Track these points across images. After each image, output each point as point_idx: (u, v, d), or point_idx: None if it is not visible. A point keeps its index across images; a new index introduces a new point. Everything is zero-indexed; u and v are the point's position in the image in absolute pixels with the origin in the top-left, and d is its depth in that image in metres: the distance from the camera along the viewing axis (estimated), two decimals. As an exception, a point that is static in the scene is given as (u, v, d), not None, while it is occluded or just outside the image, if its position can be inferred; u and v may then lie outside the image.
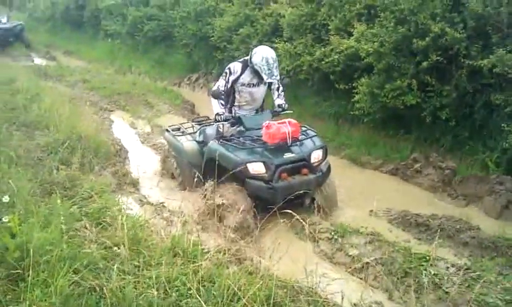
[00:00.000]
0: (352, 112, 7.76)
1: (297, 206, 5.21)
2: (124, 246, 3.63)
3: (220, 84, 5.79)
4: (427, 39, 6.55)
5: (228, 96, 5.87)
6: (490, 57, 5.85)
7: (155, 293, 2.84)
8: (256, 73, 5.71)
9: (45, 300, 2.86)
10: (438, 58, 6.54)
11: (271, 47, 9.02)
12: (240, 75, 5.75)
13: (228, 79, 5.77)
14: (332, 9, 8.46)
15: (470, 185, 6.05)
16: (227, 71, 5.80)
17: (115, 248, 3.67)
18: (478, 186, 5.95)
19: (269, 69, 5.59)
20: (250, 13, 10.82)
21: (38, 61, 17.82)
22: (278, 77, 5.78)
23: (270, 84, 5.92)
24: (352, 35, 7.70)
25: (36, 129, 7.30)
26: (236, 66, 5.79)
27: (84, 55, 18.44)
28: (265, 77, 5.62)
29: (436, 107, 6.72)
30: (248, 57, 5.80)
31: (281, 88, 6.03)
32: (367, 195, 6.21)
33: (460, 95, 6.58)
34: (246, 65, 5.80)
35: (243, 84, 5.80)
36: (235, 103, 5.91)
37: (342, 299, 3.21)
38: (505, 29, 6.16)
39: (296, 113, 8.39)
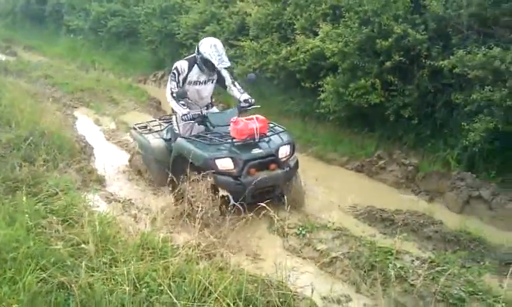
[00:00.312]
0: (318, 110, 7.85)
1: (265, 201, 5.25)
2: (91, 243, 3.59)
3: (172, 87, 5.70)
4: (390, 40, 6.68)
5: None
6: (450, 58, 6.01)
7: (127, 289, 2.81)
8: (203, 70, 5.69)
9: (13, 297, 2.79)
10: (401, 58, 6.69)
11: (235, 45, 9.12)
12: (188, 73, 5.71)
13: (179, 79, 5.70)
14: (298, 8, 8.52)
15: (433, 181, 6.23)
16: (175, 72, 5.72)
17: (83, 245, 3.62)
18: (440, 182, 6.13)
19: (219, 55, 5.55)
20: (216, 10, 10.80)
21: (-2, 56, 17.30)
22: (229, 64, 5.71)
23: (223, 80, 5.93)
24: (318, 35, 7.79)
25: (-3, 125, 7.10)
26: (183, 65, 5.73)
27: (45, 51, 17.99)
28: (216, 63, 5.55)
29: (399, 106, 6.87)
30: (195, 54, 5.76)
31: (238, 84, 6.04)
32: (334, 191, 6.36)
33: (422, 94, 6.74)
34: (193, 62, 5.75)
35: (190, 82, 5.75)
36: (183, 103, 5.77)
37: (312, 291, 3.24)
38: (465, 31, 6.35)
39: (263, 111, 8.38)
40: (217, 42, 5.69)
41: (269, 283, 3.57)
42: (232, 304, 2.91)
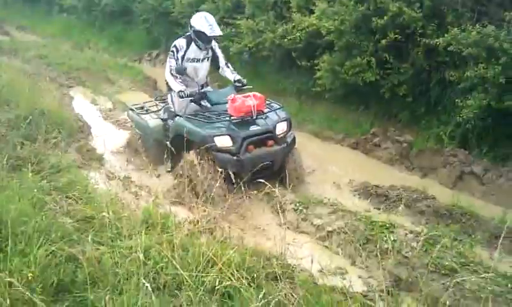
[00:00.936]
0: (314, 89, 7.92)
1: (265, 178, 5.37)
2: (96, 218, 3.71)
3: (171, 64, 5.80)
4: (385, 18, 6.72)
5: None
6: (445, 36, 6.08)
7: (141, 256, 2.92)
8: (199, 45, 5.81)
9: (23, 270, 2.90)
10: (396, 36, 6.73)
11: (231, 24, 9.11)
12: (186, 50, 5.83)
13: (177, 57, 5.80)
14: (294, -14, 8.53)
15: (426, 157, 6.36)
16: (173, 49, 5.82)
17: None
18: (433, 158, 6.26)
19: (209, 24, 5.68)
20: (212, -12, 10.74)
21: (-10, 36, 17.14)
22: (220, 33, 5.87)
23: (217, 60, 6.05)
24: (314, 13, 7.81)
25: (-5, 105, 7.15)
26: (181, 42, 5.84)
27: (38, 31, 17.81)
28: (207, 32, 5.67)
29: (394, 84, 6.96)
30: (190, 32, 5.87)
31: (230, 65, 6.16)
32: (329, 168, 6.48)
33: (417, 72, 6.83)
34: (190, 40, 5.86)
35: (188, 59, 5.87)
36: (180, 80, 5.87)
37: (312, 262, 3.37)
38: (459, 9, 6.42)
39: (258, 89, 8.43)
40: (208, 14, 5.87)
41: (269, 255, 3.71)
42: (235, 273, 3.03)
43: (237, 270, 3.07)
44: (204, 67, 6.07)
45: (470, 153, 6.01)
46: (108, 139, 7.23)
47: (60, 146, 6.02)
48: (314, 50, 7.97)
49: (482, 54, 5.66)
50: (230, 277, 3.01)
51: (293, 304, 2.93)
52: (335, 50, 7.48)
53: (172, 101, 6.00)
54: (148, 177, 5.95)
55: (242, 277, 3.02)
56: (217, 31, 5.75)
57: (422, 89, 6.94)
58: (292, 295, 3.01)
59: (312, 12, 7.97)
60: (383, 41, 6.84)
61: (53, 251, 3.19)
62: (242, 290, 2.91)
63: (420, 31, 6.65)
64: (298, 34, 7.98)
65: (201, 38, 5.78)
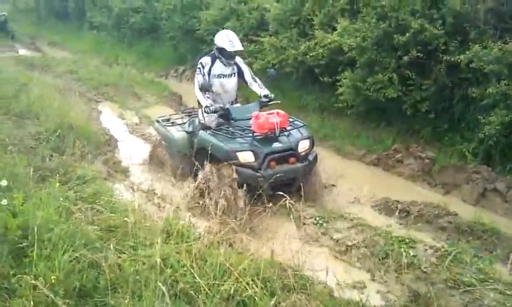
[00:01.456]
0: (336, 105, 7.99)
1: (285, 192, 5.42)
2: (119, 227, 3.83)
3: (198, 79, 5.96)
4: (407, 35, 6.76)
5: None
6: (466, 53, 6.09)
7: (158, 261, 3.01)
8: (223, 61, 5.95)
9: (47, 274, 3.01)
10: (418, 53, 6.76)
11: (254, 41, 9.28)
12: (211, 66, 5.98)
13: (204, 72, 5.96)
14: (316, 4, 8.66)
15: (449, 174, 6.32)
16: (200, 66, 6.00)
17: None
18: (456, 175, 6.22)
19: (230, 40, 5.87)
20: (236, 6, 10.98)
21: (23, 52, 17.79)
22: (241, 48, 5.99)
23: (243, 74, 6.14)
24: (336, 30, 7.91)
25: (26, 118, 7.42)
26: (206, 59, 6.01)
27: (69, 47, 18.40)
28: (227, 47, 5.85)
29: (416, 100, 6.96)
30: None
31: (258, 80, 6.24)
32: (351, 184, 6.49)
33: (439, 89, 6.83)
34: (215, 57, 6.03)
35: (214, 76, 6.00)
36: (207, 95, 5.99)
37: (327, 274, 3.41)
38: (482, 26, 6.42)
39: (281, 105, 8.59)
40: (230, 32, 6.10)
41: (286, 267, 3.76)
42: (250, 283, 3.09)
43: (252, 280, 3.13)
44: (232, 83, 6.18)
45: (493, 170, 5.95)
46: (134, 152, 7.50)
47: (87, 159, 6.22)
48: (336, 67, 8.05)
49: (504, 70, 5.65)
50: (245, 287, 3.07)
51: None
52: (357, 66, 7.53)
53: (202, 116, 6.13)
54: (172, 189, 6.10)
55: (257, 287, 3.08)
56: (237, 46, 5.90)
57: (445, 105, 6.92)
58: (307, 305, 3.05)
59: (334, 29, 8.06)
60: (405, 58, 6.87)
61: (76, 257, 3.30)
62: (256, 298, 2.97)
63: (442, 48, 6.66)
64: (321, 50, 8.07)
65: (224, 54, 5.94)
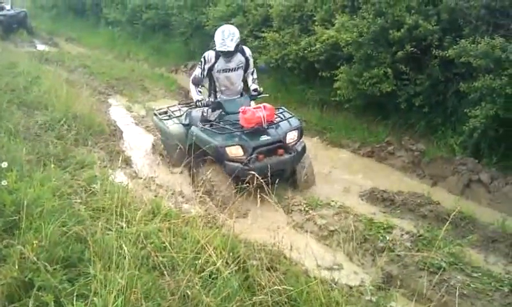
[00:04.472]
0: (334, 99, 8.16)
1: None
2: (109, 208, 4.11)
3: (196, 73, 6.12)
4: (402, 30, 6.92)
5: (210, 83, 6.24)
6: (454, 48, 6.23)
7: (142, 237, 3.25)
8: (229, 58, 6.01)
9: (36, 243, 3.29)
10: (413, 49, 6.93)
11: (259, 36, 9.46)
12: (215, 62, 6.03)
13: (204, 67, 6.06)
14: (318, 0, 8.84)
15: (437, 165, 6.48)
16: (202, 60, 6.09)
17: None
18: (444, 166, 6.37)
19: (222, 39, 5.83)
20: (242, 3, 11.18)
21: (41, 47, 18.24)
22: (231, 49, 5.87)
23: (246, 67, 6.25)
24: (334, 25, 8.08)
25: (36, 109, 7.76)
26: (210, 54, 6.05)
27: (85, 42, 18.85)
28: (218, 46, 5.86)
29: (411, 95, 7.12)
30: None
31: (255, 74, 6.40)
32: (342, 174, 6.70)
33: (433, 84, 6.97)
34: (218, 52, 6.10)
35: (219, 71, 6.09)
36: (217, 90, 6.23)
37: (305, 255, 3.63)
38: (474, 22, 6.54)
39: (283, 100, 8.88)
40: (227, 28, 5.95)
41: (261, 246, 3.99)
42: (219, 256, 3.35)
43: (220, 253, 3.40)
44: (237, 75, 6.23)
45: (479, 162, 6.09)
46: (137, 142, 7.82)
47: (88, 146, 6.52)
48: (335, 62, 8.21)
49: (490, 65, 5.78)
50: (215, 261, 3.32)
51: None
52: (354, 61, 7.70)
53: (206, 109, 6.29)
54: (169, 177, 6.37)
55: (227, 262, 3.34)
56: (227, 47, 5.84)
57: (439, 99, 7.05)
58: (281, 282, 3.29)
59: (334, 25, 8.23)
60: (400, 53, 7.02)
61: (64, 231, 3.58)
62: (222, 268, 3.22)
63: (436, 43, 6.79)
64: (319, 45, 8.24)
65: (231, 58, 6.03)
